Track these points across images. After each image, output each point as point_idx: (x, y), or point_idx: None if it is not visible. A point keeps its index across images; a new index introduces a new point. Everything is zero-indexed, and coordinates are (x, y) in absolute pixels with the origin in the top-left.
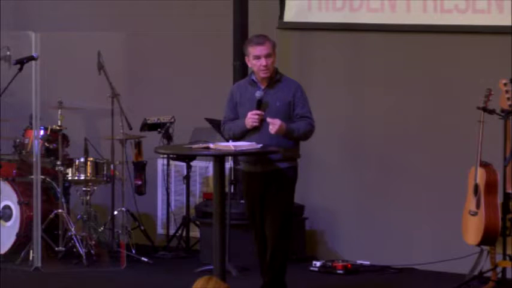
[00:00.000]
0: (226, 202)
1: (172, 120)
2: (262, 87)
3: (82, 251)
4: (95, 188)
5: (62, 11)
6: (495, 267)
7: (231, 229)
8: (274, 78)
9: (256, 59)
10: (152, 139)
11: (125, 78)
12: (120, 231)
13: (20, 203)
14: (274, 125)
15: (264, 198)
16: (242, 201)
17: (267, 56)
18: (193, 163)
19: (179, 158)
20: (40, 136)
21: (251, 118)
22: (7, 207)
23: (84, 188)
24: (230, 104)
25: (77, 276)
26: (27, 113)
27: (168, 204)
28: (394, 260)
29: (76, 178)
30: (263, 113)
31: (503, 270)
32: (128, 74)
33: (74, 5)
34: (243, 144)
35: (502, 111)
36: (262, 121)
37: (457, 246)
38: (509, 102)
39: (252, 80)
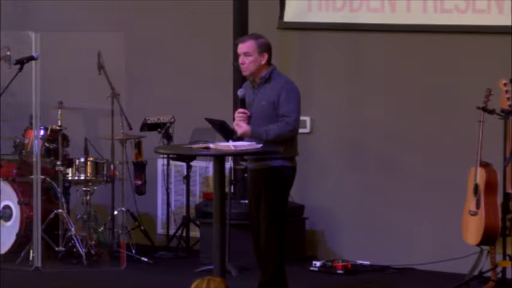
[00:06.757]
0: (226, 202)
1: (172, 120)
2: (255, 86)
3: (82, 251)
4: (95, 188)
5: (62, 11)
6: (495, 267)
7: (231, 229)
8: (264, 78)
9: (239, 56)
10: (152, 139)
11: (125, 78)
12: (120, 231)
13: (20, 203)
14: (240, 128)
15: (256, 196)
16: (242, 201)
17: (245, 54)
18: (193, 163)
19: (179, 158)
20: (40, 136)
21: (236, 117)
22: (7, 207)
23: (84, 188)
24: None
25: (77, 276)
26: (27, 113)
27: (168, 204)
28: (394, 260)
29: (76, 178)
30: (245, 110)
31: (503, 270)
32: (128, 74)
33: (74, 5)
34: (243, 144)
35: (502, 111)
36: (249, 118)
37: (457, 246)
38: (509, 102)
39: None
